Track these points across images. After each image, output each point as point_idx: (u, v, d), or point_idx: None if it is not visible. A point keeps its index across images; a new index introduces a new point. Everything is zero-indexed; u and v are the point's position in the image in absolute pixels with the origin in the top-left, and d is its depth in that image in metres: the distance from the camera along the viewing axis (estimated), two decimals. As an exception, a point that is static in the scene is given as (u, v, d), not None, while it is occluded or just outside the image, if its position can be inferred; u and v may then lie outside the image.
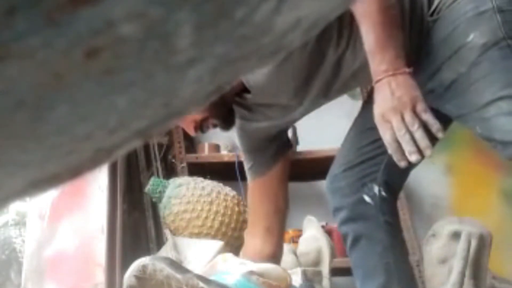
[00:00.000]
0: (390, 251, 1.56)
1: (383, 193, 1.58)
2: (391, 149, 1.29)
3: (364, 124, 1.62)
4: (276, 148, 1.74)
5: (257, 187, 1.72)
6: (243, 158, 1.77)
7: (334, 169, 1.66)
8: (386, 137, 1.30)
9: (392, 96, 1.28)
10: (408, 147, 1.26)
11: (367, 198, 1.58)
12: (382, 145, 1.52)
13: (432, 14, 1.45)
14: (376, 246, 1.56)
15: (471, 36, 1.35)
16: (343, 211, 1.58)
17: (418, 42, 1.46)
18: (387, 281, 1.53)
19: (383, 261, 1.54)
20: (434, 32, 1.45)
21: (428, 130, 1.26)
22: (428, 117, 1.26)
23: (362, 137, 1.62)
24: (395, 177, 1.62)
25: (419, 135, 1.25)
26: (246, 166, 1.74)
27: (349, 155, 1.63)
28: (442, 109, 1.43)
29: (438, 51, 1.43)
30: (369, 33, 1.31)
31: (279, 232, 1.72)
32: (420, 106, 1.27)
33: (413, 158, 1.26)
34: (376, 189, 1.58)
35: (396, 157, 1.29)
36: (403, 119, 1.27)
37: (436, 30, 1.44)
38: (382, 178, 1.59)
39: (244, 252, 1.73)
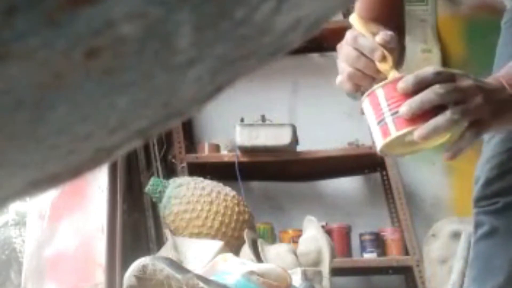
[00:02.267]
0: None
1: None
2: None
3: None
4: None
5: None
6: None
7: (486, 171, 1.55)
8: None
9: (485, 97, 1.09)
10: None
11: None
12: None
13: None
14: (510, 250, 1.48)
15: None
16: (491, 206, 1.50)
17: None
18: (504, 285, 1.48)
19: (510, 267, 1.47)
20: None
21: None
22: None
23: None
24: None
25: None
26: None
27: (501, 156, 1.53)
28: None
29: None
30: None
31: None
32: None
33: None
34: None
35: None
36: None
37: None
38: None
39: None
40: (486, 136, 1.56)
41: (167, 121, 0.28)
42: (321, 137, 3.04)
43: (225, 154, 2.91)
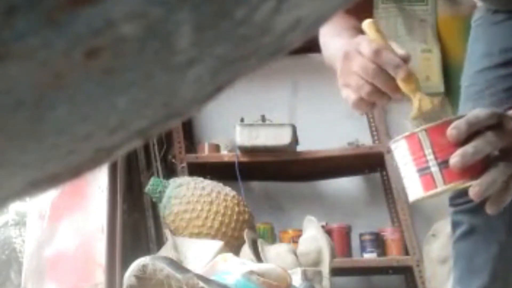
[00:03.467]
0: (504, 255, 1.46)
1: None
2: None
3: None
4: None
5: None
6: None
7: None
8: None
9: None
10: None
11: None
12: None
13: None
14: (492, 246, 1.46)
15: None
16: (466, 204, 1.48)
17: None
18: (489, 284, 1.46)
19: (493, 264, 1.45)
20: None
21: None
22: None
23: None
24: None
25: None
26: None
27: None
28: None
29: None
30: None
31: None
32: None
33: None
34: None
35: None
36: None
37: None
38: None
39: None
40: None
41: (167, 121, 0.28)
42: (321, 137, 3.04)
43: (225, 154, 2.91)
